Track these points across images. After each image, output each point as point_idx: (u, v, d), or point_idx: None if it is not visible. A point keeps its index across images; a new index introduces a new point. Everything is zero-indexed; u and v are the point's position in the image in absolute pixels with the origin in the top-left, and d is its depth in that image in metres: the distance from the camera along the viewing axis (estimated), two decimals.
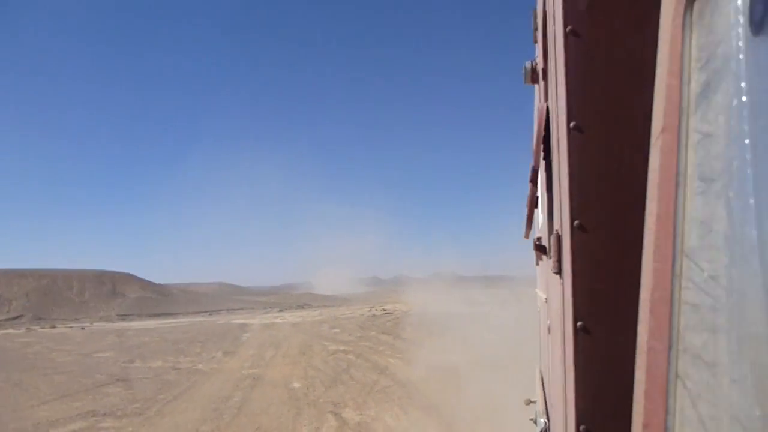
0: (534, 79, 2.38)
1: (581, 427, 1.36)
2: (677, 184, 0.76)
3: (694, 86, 0.74)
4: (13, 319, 64.54)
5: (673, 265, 0.75)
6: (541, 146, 1.86)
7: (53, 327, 52.49)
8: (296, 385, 16.52)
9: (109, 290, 74.61)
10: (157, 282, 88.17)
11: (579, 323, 1.35)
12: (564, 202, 1.44)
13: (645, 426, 0.79)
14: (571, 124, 1.37)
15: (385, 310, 54.00)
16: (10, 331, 50.28)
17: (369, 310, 54.70)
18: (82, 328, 44.30)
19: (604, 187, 1.34)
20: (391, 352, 22.43)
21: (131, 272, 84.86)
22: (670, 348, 0.75)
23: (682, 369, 0.72)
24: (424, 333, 26.56)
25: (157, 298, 75.40)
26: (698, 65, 0.74)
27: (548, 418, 2.38)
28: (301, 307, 73.36)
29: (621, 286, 1.28)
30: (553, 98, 1.69)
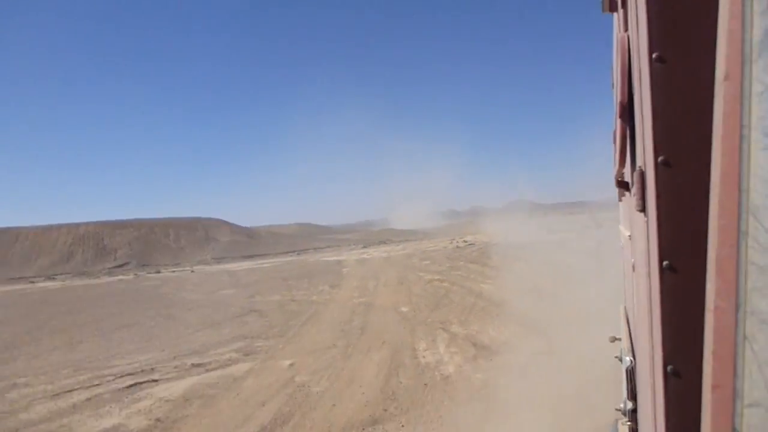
0: (612, 7, 2.27)
1: (668, 368, 1.35)
2: (741, 137, 0.75)
3: (757, 32, 0.73)
4: (120, 266, 70.72)
5: (738, 223, 0.75)
6: (625, 79, 1.83)
7: (158, 272, 57.62)
8: (404, 309, 19.30)
9: (202, 236, 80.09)
10: (244, 225, 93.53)
11: (665, 262, 1.32)
12: (647, 137, 1.39)
13: (714, 387, 0.81)
14: (654, 55, 1.32)
15: (466, 241, 56.12)
16: (122, 277, 55.81)
17: (451, 243, 57.09)
18: (192, 271, 48.78)
19: (690, 121, 1.28)
20: (482, 278, 24.96)
21: (220, 217, 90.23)
22: (737, 309, 0.76)
23: (750, 331, 0.72)
24: (510, 260, 28.84)
25: (247, 241, 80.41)
26: (760, 8, 0.72)
27: (634, 357, 2.34)
28: (384, 242, 76.62)
29: (707, 223, 1.12)
30: (633, 28, 1.63)
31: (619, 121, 1.93)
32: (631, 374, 2.36)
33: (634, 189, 1.62)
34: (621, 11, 2.05)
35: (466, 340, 14.07)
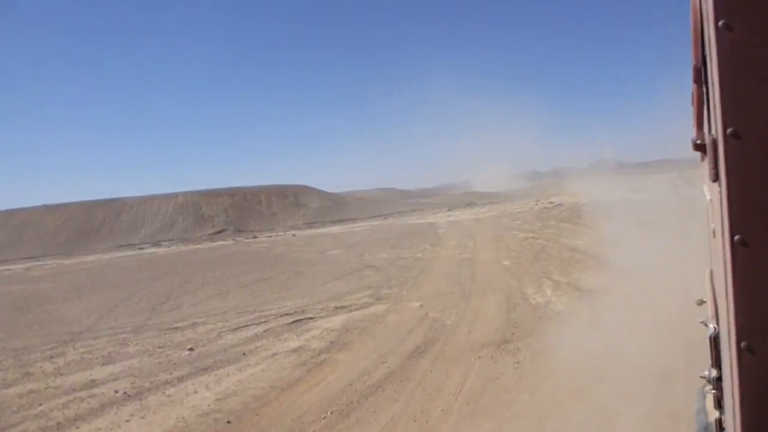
0: None
1: (742, 344, 1.34)
2: None
3: None
4: (219, 232, 75.70)
5: None
6: (698, 43, 1.69)
7: (255, 237, 61.71)
8: (506, 263, 21.63)
9: (292, 202, 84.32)
10: (330, 191, 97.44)
11: (737, 237, 1.32)
12: (717, 107, 1.36)
13: None
14: (720, 23, 1.30)
15: (552, 202, 57.23)
16: (222, 242, 60.33)
17: (536, 204, 58.47)
18: (294, 235, 52.45)
19: (759, 91, 1.27)
20: (574, 235, 26.92)
21: (307, 184, 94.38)
22: None
23: None
24: (600, 219, 30.42)
25: (334, 206, 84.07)
26: None
27: (718, 324, 2.28)
28: (468, 205, 78.50)
29: None
30: None
31: (694, 85, 1.90)
32: (715, 341, 2.36)
33: (708, 157, 1.57)
34: None
35: (569, 286, 16.32)
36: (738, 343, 1.36)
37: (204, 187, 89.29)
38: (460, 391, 8.87)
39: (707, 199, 2.58)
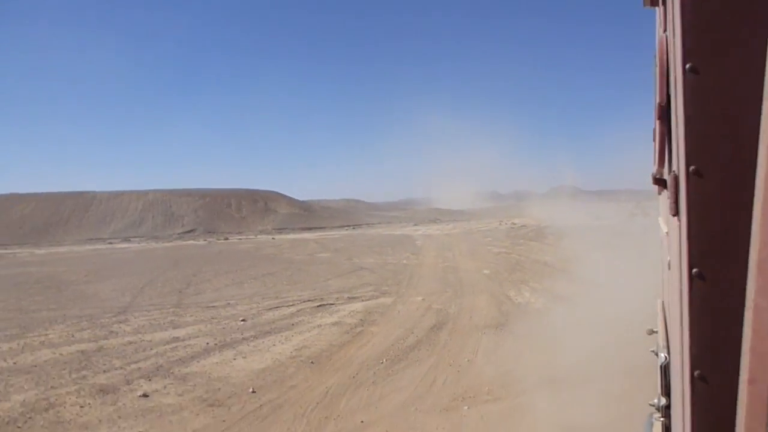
0: (654, 2, 2.20)
1: (696, 372, 1.40)
2: None
3: None
4: (188, 232, 77.82)
5: None
6: (664, 80, 1.75)
7: (226, 239, 64.19)
8: (486, 271, 25.26)
9: (262, 207, 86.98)
10: (298, 199, 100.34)
11: (694, 270, 1.38)
12: (680, 144, 1.43)
13: (750, 381, 0.87)
14: (687, 66, 1.36)
15: (515, 223, 61.49)
16: (193, 242, 62.74)
17: (500, 224, 62.72)
18: (273, 238, 55.36)
19: (723, 132, 1.32)
20: (543, 253, 30.82)
21: (275, 190, 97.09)
22: None
23: None
24: (565, 240, 34.48)
25: (303, 214, 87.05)
26: None
27: (669, 353, 2.40)
28: (434, 221, 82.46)
29: (738, 234, 1.26)
30: (670, 31, 1.64)
31: (658, 121, 1.97)
32: (665, 370, 2.43)
33: (669, 192, 1.63)
34: (662, 8, 2.05)
35: (544, 291, 19.98)
36: (692, 372, 1.42)
37: (174, 187, 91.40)
38: (477, 350, 12.36)
39: (663, 231, 2.71)
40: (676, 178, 1.56)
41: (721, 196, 1.35)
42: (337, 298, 19.68)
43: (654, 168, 2.33)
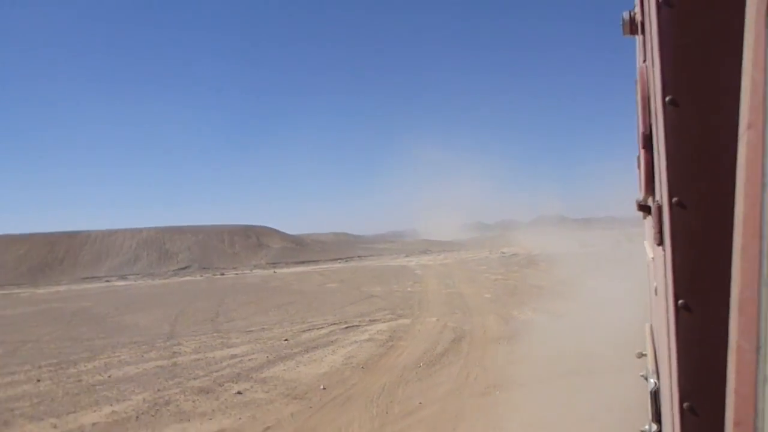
0: (633, 31, 2.25)
1: (685, 404, 1.42)
2: (763, 185, 0.80)
3: None
4: (183, 268, 79.94)
5: (760, 267, 0.80)
6: (646, 110, 1.79)
7: (222, 274, 66.65)
8: (488, 296, 28.06)
9: (255, 242, 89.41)
10: (289, 233, 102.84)
11: (680, 301, 1.39)
12: (663, 175, 1.46)
13: (736, 424, 0.86)
14: (667, 99, 1.39)
15: (504, 252, 64.29)
16: (189, 278, 65.03)
17: (490, 253, 65.57)
18: (274, 272, 57.85)
19: (704, 164, 1.35)
20: (538, 278, 33.73)
21: (266, 224, 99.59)
22: (758, 349, 0.81)
23: None
24: (556, 267, 37.52)
25: (295, 248, 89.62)
26: None
27: (658, 379, 2.42)
28: (424, 252, 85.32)
29: (724, 265, 1.18)
30: (650, 62, 1.69)
31: (642, 150, 1.98)
32: (655, 396, 2.44)
33: (653, 221, 1.65)
34: (641, 37, 2.09)
35: (544, 310, 22.76)
36: (681, 403, 1.44)
37: (167, 224, 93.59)
38: (496, 354, 15.12)
39: (649, 256, 2.85)
40: (659, 208, 1.59)
41: (704, 228, 1.37)
42: (360, 321, 22.32)
43: (640, 195, 2.34)
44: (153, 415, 11.21)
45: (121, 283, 64.13)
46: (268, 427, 10.35)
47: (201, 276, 65.76)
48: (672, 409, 1.57)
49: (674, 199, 1.40)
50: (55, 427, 10.93)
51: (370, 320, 22.33)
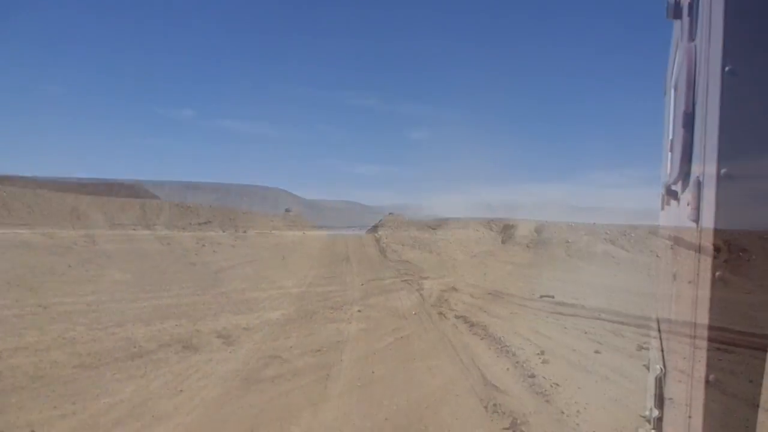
0: (676, 15, 2.36)
1: (710, 376, 1.48)
2: None
3: None
4: (205, 223, 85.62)
5: None
6: (691, 89, 1.84)
7: (245, 231, 72.01)
8: (511, 267, 33.99)
9: (272, 203, 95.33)
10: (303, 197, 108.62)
11: (717, 273, 1.43)
12: (710, 148, 1.47)
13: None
14: (726, 68, 1.43)
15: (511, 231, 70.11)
16: (211, 233, 70.63)
17: (491, 230, 71.38)
18: (304, 234, 63.75)
19: (755, 135, 1.39)
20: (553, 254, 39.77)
21: (281, 187, 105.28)
22: None
23: None
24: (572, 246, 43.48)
25: (310, 212, 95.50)
26: None
27: (664, 366, 2.45)
28: (433, 228, 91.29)
29: (764, 240, 1.27)
30: (703, 38, 1.73)
31: (681, 130, 1.99)
32: (659, 383, 2.49)
33: (689, 199, 1.67)
34: (686, 19, 2.13)
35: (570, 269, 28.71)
36: (706, 377, 1.50)
37: (188, 179, 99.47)
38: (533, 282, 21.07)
39: (666, 244, 2.91)
40: (699, 184, 1.62)
41: (748, 198, 1.42)
42: (411, 276, 28.26)
43: (670, 178, 2.37)
44: (310, 318, 17.08)
45: (146, 232, 69.62)
46: (396, 328, 16.21)
47: (223, 231, 71.09)
48: (692, 383, 1.67)
49: (723, 171, 1.45)
50: (249, 318, 16.84)
51: (420, 277, 28.30)
